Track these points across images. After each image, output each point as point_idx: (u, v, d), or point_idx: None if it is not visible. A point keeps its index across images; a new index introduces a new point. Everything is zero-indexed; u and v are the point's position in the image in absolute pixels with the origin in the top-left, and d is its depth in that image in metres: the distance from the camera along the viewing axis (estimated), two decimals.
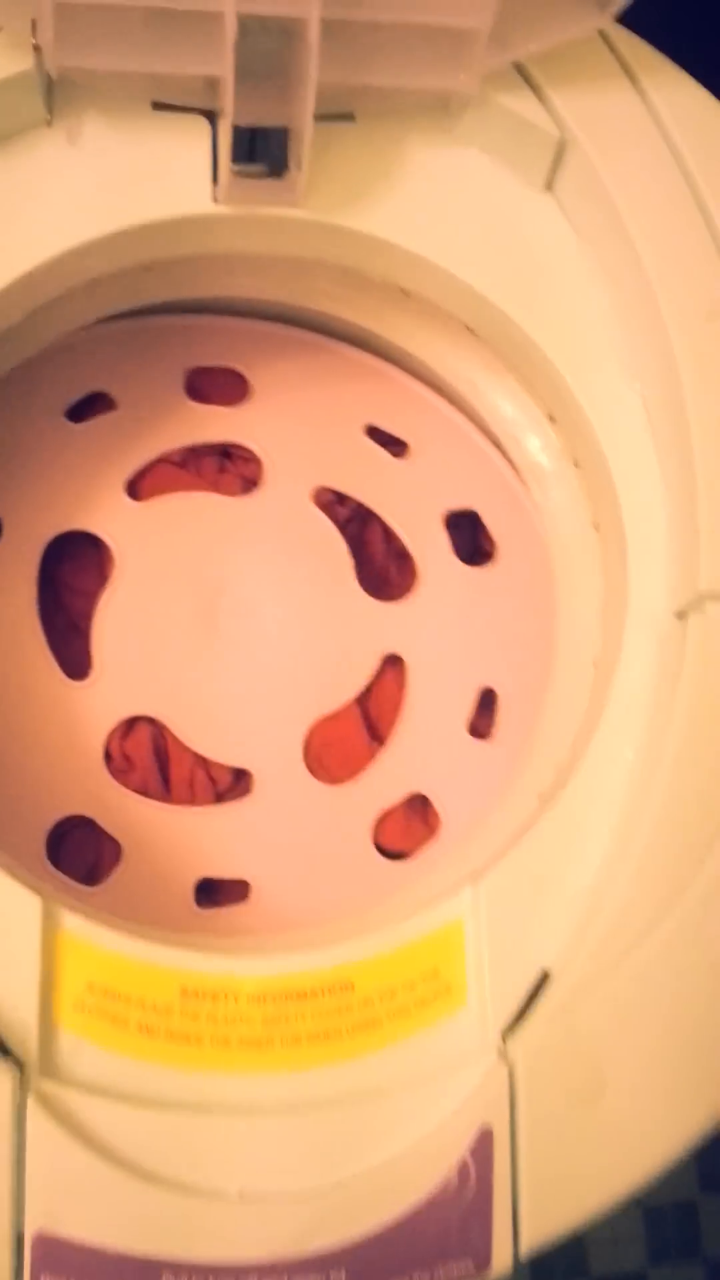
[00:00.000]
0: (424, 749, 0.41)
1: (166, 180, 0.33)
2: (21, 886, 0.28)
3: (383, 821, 0.40)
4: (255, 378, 0.43)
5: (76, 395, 0.41)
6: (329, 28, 0.31)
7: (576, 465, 0.37)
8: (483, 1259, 0.28)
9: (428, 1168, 0.28)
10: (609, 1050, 0.29)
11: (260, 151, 0.33)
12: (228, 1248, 0.27)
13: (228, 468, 0.43)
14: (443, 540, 0.43)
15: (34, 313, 0.35)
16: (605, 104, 0.34)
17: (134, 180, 0.33)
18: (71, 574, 0.40)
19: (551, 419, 0.38)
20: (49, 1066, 0.28)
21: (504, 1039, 0.29)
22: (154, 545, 0.40)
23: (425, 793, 0.40)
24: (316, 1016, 0.29)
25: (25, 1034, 0.28)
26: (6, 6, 0.29)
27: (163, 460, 0.42)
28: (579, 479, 0.38)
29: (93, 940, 0.29)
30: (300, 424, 0.43)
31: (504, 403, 0.40)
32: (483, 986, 0.30)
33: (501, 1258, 0.28)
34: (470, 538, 0.44)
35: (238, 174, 0.33)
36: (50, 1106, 0.27)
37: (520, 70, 0.34)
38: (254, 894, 0.38)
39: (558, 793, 0.32)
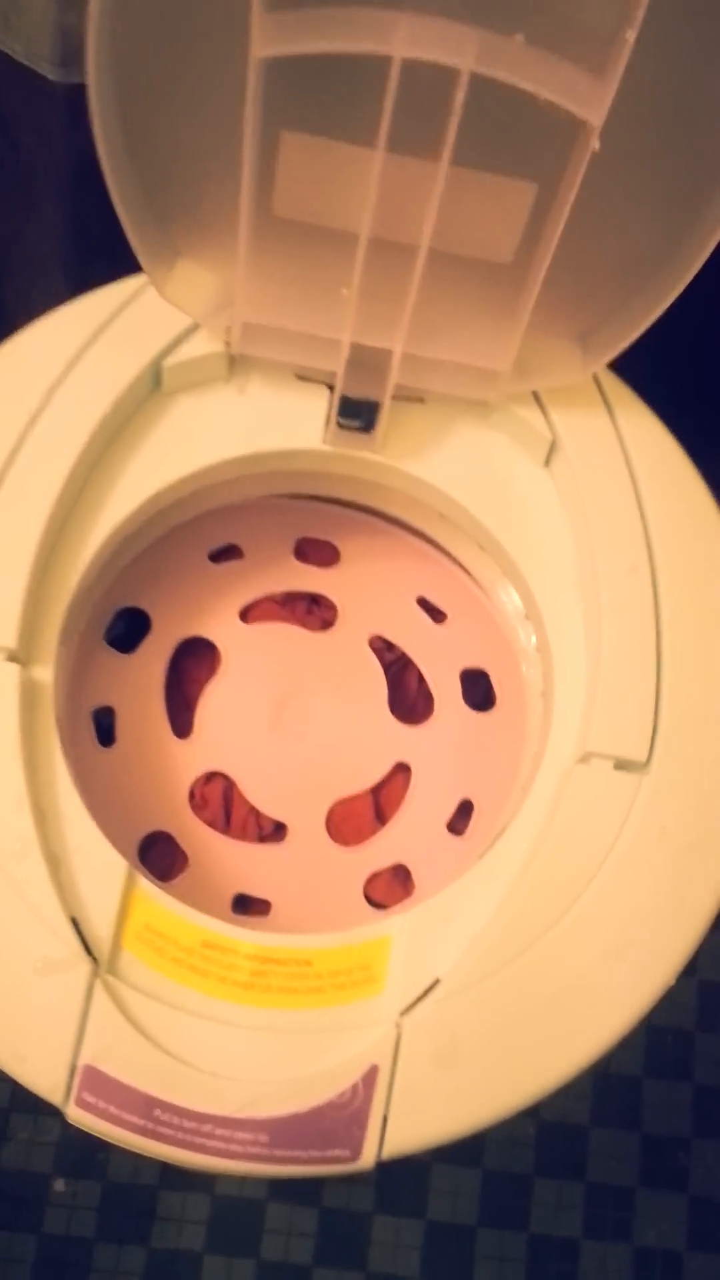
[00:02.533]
0: (413, 834, 0.57)
1: (296, 424, 0.52)
2: (116, 852, 0.45)
3: (373, 879, 0.56)
4: (344, 549, 0.61)
5: (217, 545, 0.60)
6: (405, 355, 0.49)
7: (537, 651, 0.54)
8: (355, 1152, 0.42)
9: (333, 1083, 0.43)
10: (466, 1033, 0.44)
11: (358, 413, 0.52)
12: (198, 1102, 0.42)
13: (314, 610, 0.60)
14: (457, 688, 0.59)
15: (198, 492, 0.54)
16: (586, 421, 0.51)
17: (277, 421, 0.52)
18: (192, 666, 0.58)
19: (527, 617, 0.54)
20: (113, 968, 0.44)
21: (400, 1016, 0.44)
22: (251, 655, 0.58)
23: (408, 865, 0.56)
24: (285, 977, 0.45)
25: (101, 945, 0.44)
26: (215, 325, 0.48)
27: (268, 598, 0.59)
28: (540, 662, 0.54)
29: (153, 897, 0.45)
30: (370, 588, 0.60)
31: (509, 597, 0.57)
32: (395, 982, 0.45)
33: (368, 1155, 0.43)
34: (479, 689, 0.60)
35: (341, 426, 0.51)
36: (110, 991, 0.43)
37: (534, 394, 0.52)
38: (273, 911, 0.54)
39: (473, 865, 0.48)
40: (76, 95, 0.54)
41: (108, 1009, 0.43)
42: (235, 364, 0.51)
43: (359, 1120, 0.43)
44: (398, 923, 0.46)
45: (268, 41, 0.38)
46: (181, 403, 0.51)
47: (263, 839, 0.56)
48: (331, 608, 0.60)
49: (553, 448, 0.51)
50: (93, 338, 0.49)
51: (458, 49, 0.38)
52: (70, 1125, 0.42)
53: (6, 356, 0.49)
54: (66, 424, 0.48)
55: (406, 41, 0.38)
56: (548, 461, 0.52)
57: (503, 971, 0.44)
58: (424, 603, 0.61)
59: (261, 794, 0.56)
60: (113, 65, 0.41)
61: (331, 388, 0.52)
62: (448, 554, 0.61)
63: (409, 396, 0.52)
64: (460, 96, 0.38)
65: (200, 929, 0.45)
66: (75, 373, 0.49)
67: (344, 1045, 0.44)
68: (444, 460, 0.52)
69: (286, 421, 0.52)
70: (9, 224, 0.64)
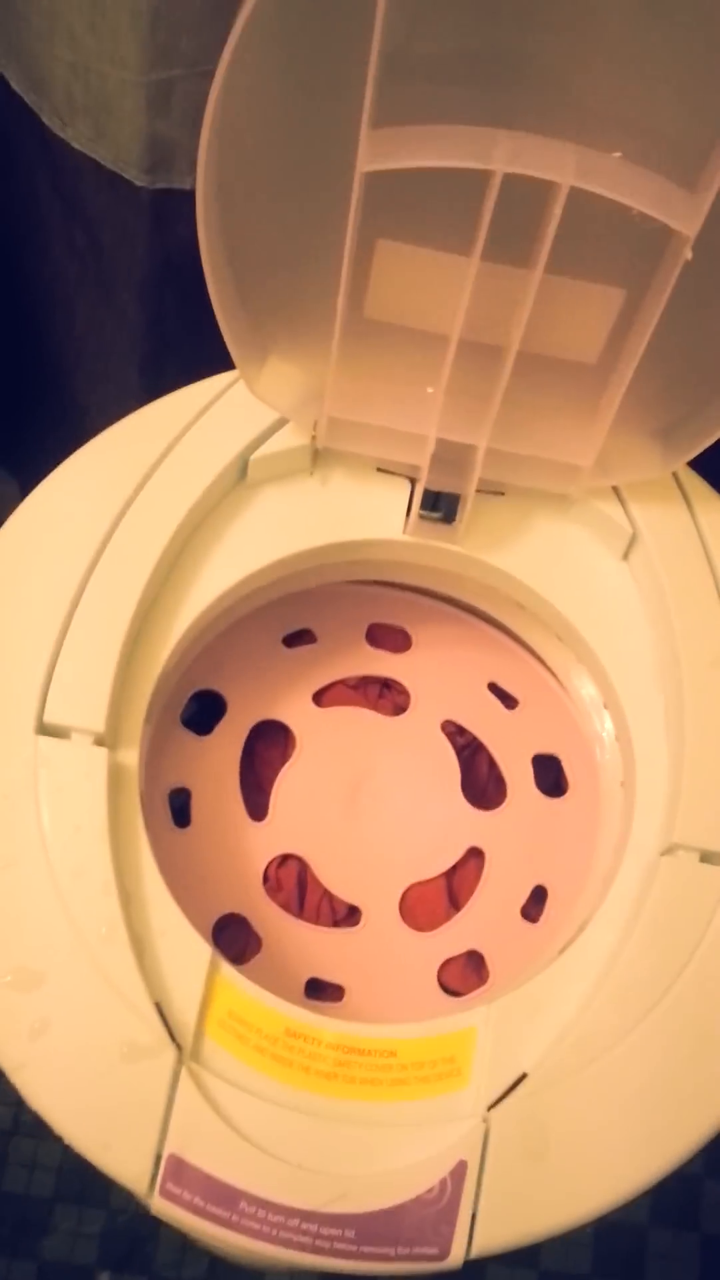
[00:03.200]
0: (487, 920, 0.57)
1: (377, 514, 0.53)
2: (200, 936, 0.46)
3: (447, 965, 0.56)
4: (416, 635, 0.62)
5: (291, 629, 0.61)
6: (490, 450, 0.50)
7: (616, 739, 0.54)
8: (444, 1250, 0.42)
9: (420, 1179, 0.43)
10: (556, 1129, 0.44)
11: (439, 505, 0.53)
12: (285, 1195, 0.42)
13: (386, 695, 0.61)
14: (529, 774, 0.60)
15: (278, 580, 0.55)
16: (665, 515, 0.52)
17: (358, 512, 0.53)
18: (265, 749, 0.59)
19: (606, 707, 0.55)
20: (197, 1055, 0.44)
21: (487, 1110, 0.44)
22: (325, 738, 0.58)
23: (482, 951, 0.56)
24: (368, 1068, 0.45)
25: (186, 1031, 0.44)
26: (303, 419, 0.50)
27: (341, 682, 0.60)
28: (619, 750, 0.55)
29: (235, 983, 0.46)
30: (443, 673, 0.61)
31: (587, 688, 0.58)
32: (480, 1075, 0.45)
33: (457, 1252, 0.42)
34: (551, 774, 0.60)
35: (422, 518, 0.52)
36: (195, 1079, 0.43)
37: (614, 488, 0.53)
38: (347, 997, 0.55)
39: (559, 956, 0.48)
40: (161, 201, 0.57)
41: (193, 1097, 0.43)
42: (319, 456, 0.53)
43: (447, 1217, 0.42)
44: (482, 1014, 0.46)
45: (374, 156, 0.40)
46: (265, 493, 0.53)
47: (336, 923, 0.56)
48: (404, 692, 0.61)
49: (632, 541, 0.52)
50: (183, 431, 0.51)
51: (558, 165, 0.39)
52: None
53: (102, 448, 0.51)
54: (157, 513, 0.50)
55: (508, 157, 0.39)
56: (627, 555, 0.53)
57: (593, 1065, 0.44)
58: (495, 688, 0.61)
59: (336, 877, 0.56)
60: (220, 173, 0.42)
61: (413, 480, 0.53)
62: (520, 641, 0.61)
63: (490, 489, 0.53)
64: (558, 209, 0.40)
65: (284, 1017, 0.46)
66: (166, 464, 0.50)
67: (430, 1140, 0.44)
68: (524, 552, 0.53)
69: (368, 512, 0.53)
70: (89, 323, 0.66)
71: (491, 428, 0.49)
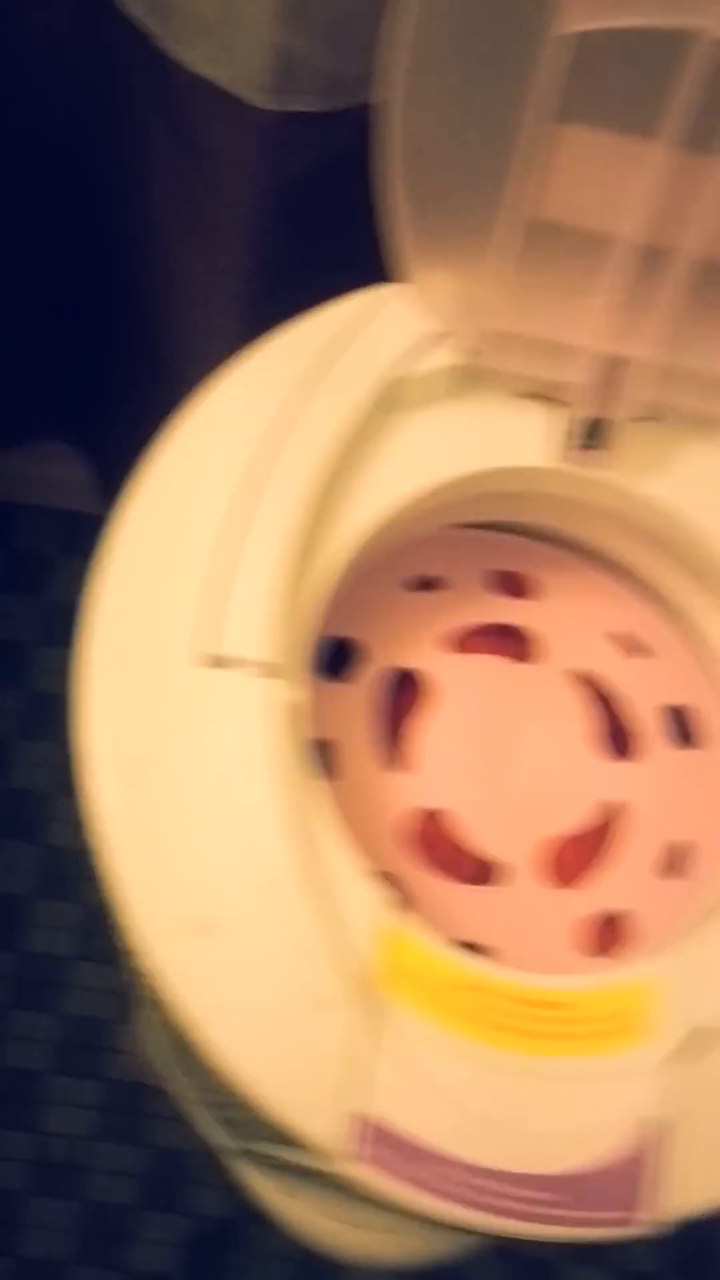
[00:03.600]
0: (629, 876, 0.54)
1: (525, 441, 0.50)
2: (377, 886, 0.43)
3: (588, 922, 0.53)
4: (538, 583, 0.59)
5: (413, 575, 0.58)
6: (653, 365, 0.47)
7: None
8: (642, 1210, 0.40)
9: (616, 1137, 0.40)
10: None
11: (592, 431, 0.50)
12: (485, 1156, 0.39)
13: (508, 644, 0.58)
14: (660, 725, 0.57)
15: (419, 514, 0.52)
16: None
17: (505, 438, 0.50)
18: (399, 698, 0.56)
19: None
20: (386, 1009, 0.41)
21: (678, 1065, 0.42)
22: (460, 687, 0.55)
23: (625, 908, 0.53)
24: (549, 1021, 0.43)
25: (373, 983, 0.41)
26: (459, 323, 0.47)
27: (469, 629, 0.57)
28: None
29: (411, 934, 0.43)
30: (567, 621, 0.59)
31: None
32: (665, 1030, 0.42)
33: (662, 1213, 0.40)
34: (684, 727, 0.58)
35: (574, 444, 0.50)
36: (393, 1033, 0.40)
37: None
38: (494, 959, 0.52)
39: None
40: (282, 125, 0.54)
41: (392, 1053, 0.40)
42: (465, 380, 0.50)
43: (646, 1175, 0.40)
44: (663, 966, 0.44)
45: (575, 17, 0.37)
46: (408, 420, 0.50)
47: (475, 879, 0.53)
48: (531, 640, 0.58)
49: None
50: (339, 349, 0.48)
51: None
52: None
53: (239, 380, 0.48)
54: (315, 437, 0.47)
55: None
56: None
57: None
58: (622, 637, 0.59)
59: (478, 831, 0.53)
60: (409, 71, 0.40)
61: (564, 404, 0.50)
62: (649, 588, 0.59)
63: (644, 415, 0.50)
64: None
65: (460, 968, 0.43)
66: (325, 385, 0.47)
67: (618, 1096, 0.41)
68: (680, 480, 0.51)
69: (515, 439, 0.50)
70: (190, 270, 0.63)
71: (660, 339, 0.46)
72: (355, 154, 0.48)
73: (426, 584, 0.58)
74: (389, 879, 0.52)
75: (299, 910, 0.41)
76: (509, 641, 0.58)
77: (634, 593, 0.59)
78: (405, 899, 0.51)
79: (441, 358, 0.49)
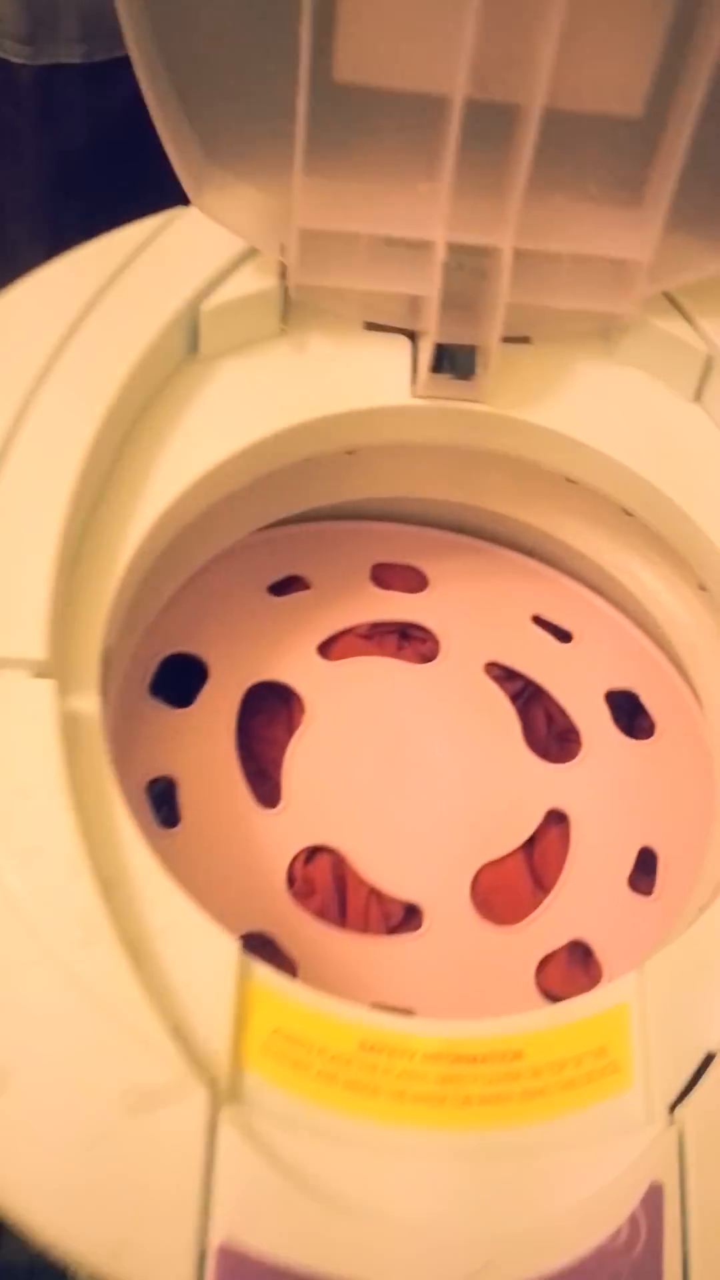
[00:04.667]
0: (588, 900, 0.44)
1: (374, 379, 0.42)
2: (222, 930, 0.32)
3: (546, 965, 0.42)
4: (432, 573, 0.50)
5: (277, 576, 0.49)
6: (517, 258, 0.39)
7: None
8: None
9: (598, 1220, 0.29)
10: None
11: (451, 363, 0.42)
12: (405, 1277, 0.28)
13: (407, 644, 0.49)
14: (604, 714, 0.48)
15: (260, 494, 0.43)
16: None
17: (349, 378, 0.42)
18: (263, 726, 0.46)
19: (703, 588, 0.43)
20: (238, 1094, 0.31)
21: (671, 1109, 0.31)
22: (342, 697, 0.46)
23: (587, 940, 0.43)
24: (488, 1080, 0.32)
25: (218, 1062, 0.31)
26: (263, 234, 0.39)
27: (349, 633, 0.48)
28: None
29: (280, 990, 0.32)
30: (472, 610, 0.49)
31: (657, 583, 0.46)
32: (648, 1067, 0.32)
33: None
34: (630, 716, 0.48)
35: (435, 377, 0.41)
36: (242, 1128, 0.30)
37: (673, 302, 0.42)
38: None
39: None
40: (46, 80, 0.47)
41: (242, 1154, 0.29)
42: (291, 313, 0.42)
43: (649, 1267, 0.29)
44: (632, 984, 0.33)
45: None
46: (228, 366, 0.41)
47: (392, 929, 0.43)
48: (430, 637, 0.49)
49: (708, 367, 0.41)
50: (107, 284, 0.40)
51: None
52: None
53: (20, 299, 0.39)
54: (87, 385, 0.38)
55: None
56: (700, 393, 0.42)
57: None
58: (541, 622, 0.50)
59: (384, 870, 0.43)
60: None
61: (413, 335, 0.42)
62: (564, 560, 0.50)
63: (511, 337, 0.42)
64: None
65: (355, 1026, 0.32)
66: (95, 318, 0.39)
67: (598, 1165, 0.30)
68: (566, 405, 0.42)
69: (361, 379, 0.42)
70: None
71: (517, 221, 0.38)
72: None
73: (292, 585, 0.49)
74: (272, 943, 0.41)
75: (103, 972, 0.30)
76: (402, 643, 0.49)
77: (543, 573, 0.51)
78: (292, 962, 0.41)
79: (257, 282, 0.41)
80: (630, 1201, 0.29)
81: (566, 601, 0.50)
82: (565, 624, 0.50)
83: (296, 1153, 0.30)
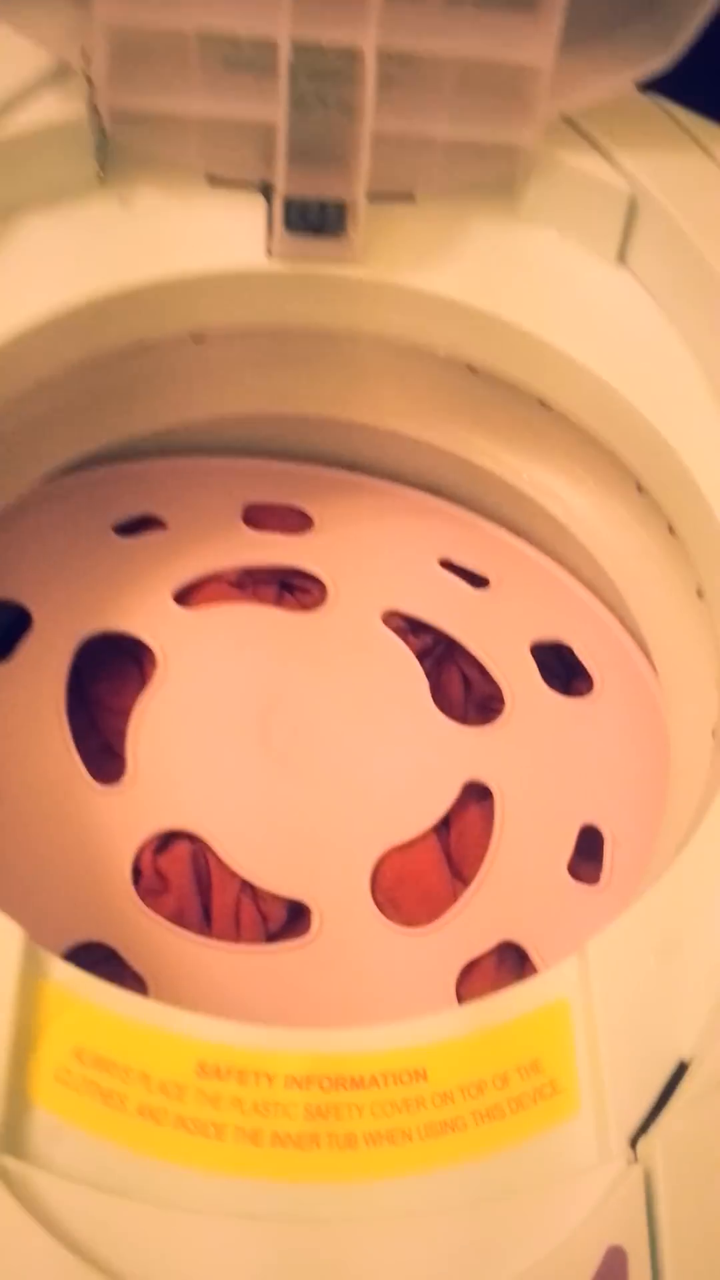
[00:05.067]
0: (518, 891, 0.35)
1: (219, 240, 0.34)
2: (5, 919, 0.23)
3: (469, 973, 0.34)
4: (317, 514, 0.42)
5: (124, 515, 0.40)
6: (388, 75, 0.31)
7: (672, 532, 0.34)
8: None
9: None
10: None
11: (318, 218, 0.34)
12: None
13: (287, 598, 0.40)
14: (531, 669, 0.39)
15: (88, 402, 0.35)
16: (673, 162, 0.34)
17: (187, 238, 0.33)
18: (109, 693, 0.37)
19: (640, 489, 0.35)
20: (17, 1146, 0.21)
21: (632, 1143, 0.22)
22: (203, 652, 0.37)
23: (520, 942, 0.34)
24: (377, 1113, 0.23)
25: None
26: (58, 34, 0.31)
27: (215, 578, 0.39)
28: (673, 549, 0.35)
29: (85, 995, 0.23)
30: (367, 554, 0.41)
31: (585, 503, 0.38)
32: (599, 1085, 0.23)
33: None
34: (563, 674, 0.40)
35: (294, 233, 0.33)
36: (19, 1191, 0.20)
37: (584, 136, 0.35)
38: None
39: (677, 856, 0.27)
40: None
41: (21, 1232, 0.20)
42: (113, 160, 0.34)
43: None
44: (571, 973, 0.25)
45: None
46: (26, 224, 0.33)
47: (272, 936, 0.34)
48: (314, 589, 0.40)
49: (632, 214, 0.34)
50: None
51: None
52: None
53: None
54: None
55: None
56: (623, 252, 0.35)
57: None
58: (450, 567, 0.42)
59: (258, 860, 0.34)
60: None
61: (267, 190, 0.34)
62: (469, 504, 0.42)
63: (391, 193, 0.34)
64: None
65: (191, 1042, 0.23)
66: None
67: (535, 1225, 0.21)
68: (465, 268, 0.34)
69: (203, 239, 0.34)
70: None
71: (380, 12, 0.30)
72: None
73: (145, 528, 0.40)
74: (112, 955, 0.32)
75: None
76: (285, 593, 0.40)
77: (448, 511, 0.43)
78: (141, 980, 0.32)
79: (61, 110, 0.33)
80: (582, 1276, 0.20)
81: (480, 543, 0.42)
82: (479, 568, 0.41)
83: (103, 1226, 0.21)
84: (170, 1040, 0.23)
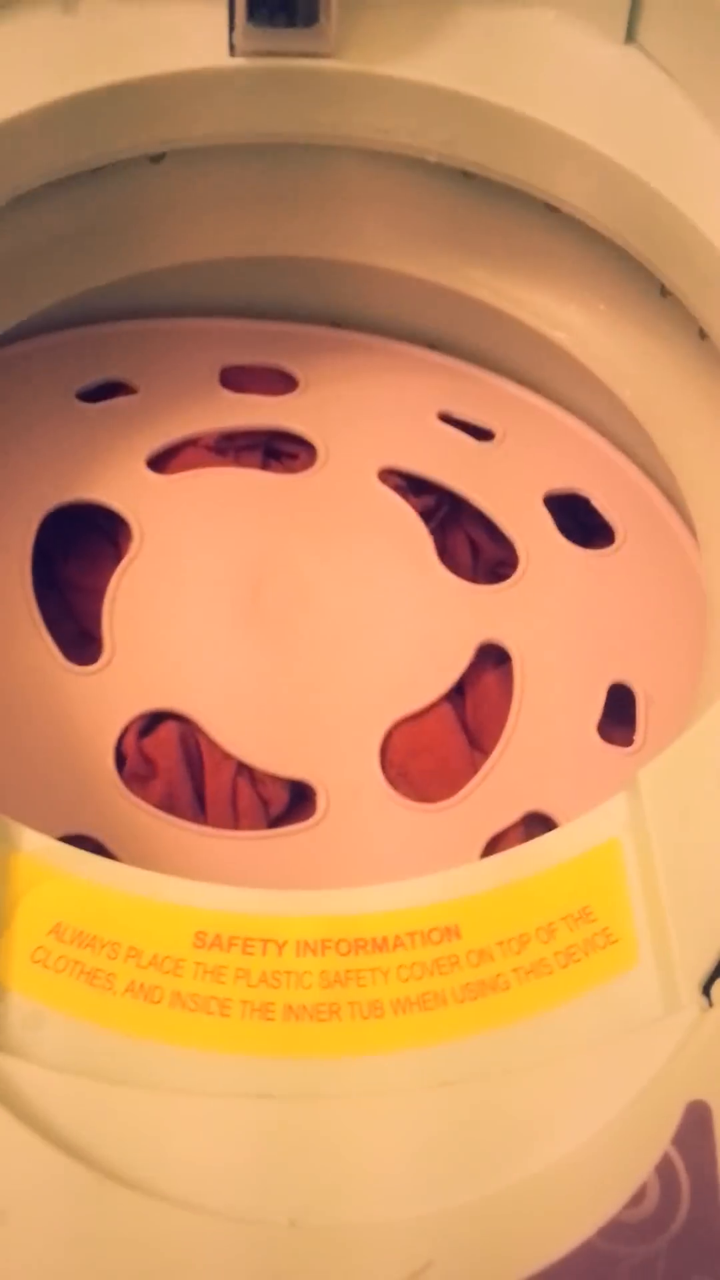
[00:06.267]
0: (544, 757, 0.32)
1: (176, 39, 0.30)
2: None
3: (493, 849, 0.31)
4: (301, 373, 0.39)
5: (88, 381, 0.37)
6: None
7: (703, 337, 0.31)
8: None
9: (602, 1178, 0.17)
10: None
11: (284, 9, 0.30)
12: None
13: (272, 465, 0.37)
14: (545, 521, 0.36)
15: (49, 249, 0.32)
16: None
17: (140, 39, 0.30)
18: (80, 572, 0.34)
19: (664, 293, 0.32)
20: None
21: (706, 992, 0.19)
22: (180, 521, 0.34)
23: (548, 812, 0.31)
24: (405, 975, 0.20)
25: None
26: None
27: (193, 443, 0.36)
28: (704, 357, 0.32)
29: (62, 866, 0.20)
30: (357, 410, 0.38)
31: (590, 318, 0.35)
32: (663, 930, 0.20)
33: None
34: (581, 525, 0.37)
35: (257, 24, 0.30)
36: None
37: None
38: None
39: None
40: None
41: (2, 1124, 0.17)
42: None
43: (700, 1241, 0.17)
44: (622, 810, 0.22)
45: None
46: None
47: (274, 821, 0.31)
48: (302, 449, 0.37)
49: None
50: None
51: None
52: None
53: None
54: None
55: None
56: (632, 29, 0.31)
57: None
58: (451, 420, 0.38)
59: (255, 739, 0.31)
60: None
61: None
62: (468, 356, 0.39)
63: None
64: None
65: (187, 911, 0.20)
66: None
67: (595, 1090, 0.19)
68: (456, 53, 0.31)
69: (160, 38, 0.30)
70: None
71: None
72: None
73: (113, 393, 0.37)
74: (96, 847, 0.29)
75: None
76: (270, 460, 0.37)
77: (449, 366, 0.39)
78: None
79: None
80: (656, 1143, 0.18)
81: (482, 395, 0.39)
82: (483, 420, 0.38)
83: (93, 1118, 0.18)
84: (161, 910, 0.20)
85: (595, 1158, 0.18)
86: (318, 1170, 0.18)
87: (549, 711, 0.33)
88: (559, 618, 0.34)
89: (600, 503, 0.37)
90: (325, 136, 0.31)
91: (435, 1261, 0.16)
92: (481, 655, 0.33)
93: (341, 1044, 0.19)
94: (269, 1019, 0.20)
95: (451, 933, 0.21)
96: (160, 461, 0.36)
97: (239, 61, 0.30)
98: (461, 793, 0.31)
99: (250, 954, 0.20)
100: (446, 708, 0.33)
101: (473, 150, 0.31)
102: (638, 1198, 0.17)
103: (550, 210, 0.32)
